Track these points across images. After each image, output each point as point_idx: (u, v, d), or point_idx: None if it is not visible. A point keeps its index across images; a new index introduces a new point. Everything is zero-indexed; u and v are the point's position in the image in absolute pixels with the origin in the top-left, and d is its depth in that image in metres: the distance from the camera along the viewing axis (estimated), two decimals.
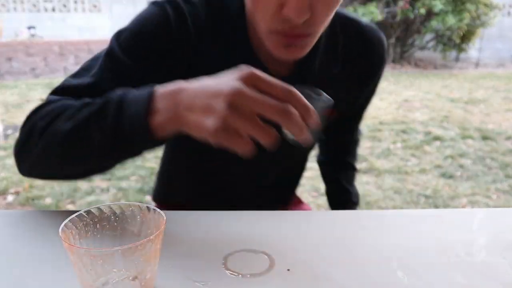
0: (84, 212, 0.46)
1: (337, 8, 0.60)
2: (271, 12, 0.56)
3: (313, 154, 0.96)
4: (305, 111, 0.45)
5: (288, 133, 0.50)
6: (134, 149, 0.55)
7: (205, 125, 0.45)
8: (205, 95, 0.46)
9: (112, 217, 0.47)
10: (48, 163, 0.59)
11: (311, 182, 2.51)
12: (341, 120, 0.87)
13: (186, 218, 0.65)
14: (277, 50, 0.61)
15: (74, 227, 0.44)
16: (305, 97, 0.46)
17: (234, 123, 0.44)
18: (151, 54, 0.64)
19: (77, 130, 0.54)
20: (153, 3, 0.66)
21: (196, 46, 0.67)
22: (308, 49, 0.62)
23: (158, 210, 0.46)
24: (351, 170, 0.99)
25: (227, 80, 0.45)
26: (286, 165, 0.90)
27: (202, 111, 0.45)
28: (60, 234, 0.41)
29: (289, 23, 0.56)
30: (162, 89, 0.50)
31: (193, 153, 0.84)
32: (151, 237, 0.41)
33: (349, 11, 0.81)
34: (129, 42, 0.64)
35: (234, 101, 0.44)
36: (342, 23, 0.75)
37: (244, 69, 0.45)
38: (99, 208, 0.47)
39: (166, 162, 0.93)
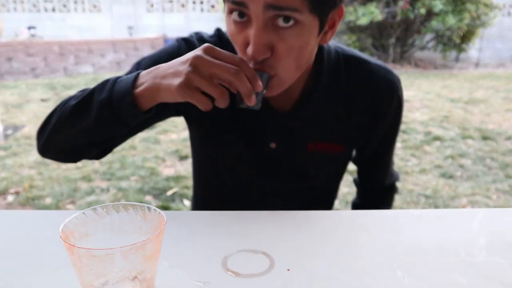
0: (84, 212, 0.46)
1: (303, 53, 0.63)
2: (242, 51, 0.63)
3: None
4: (252, 76, 0.57)
5: (238, 98, 0.60)
6: (122, 118, 0.63)
7: (173, 84, 0.57)
8: (175, 64, 0.58)
9: (112, 217, 0.47)
10: (57, 136, 0.69)
11: None
12: (363, 162, 0.90)
13: (186, 218, 0.65)
14: None
15: (74, 227, 0.44)
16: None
17: (195, 81, 0.55)
18: None
19: (82, 105, 0.65)
20: (176, 40, 0.78)
21: None
22: (278, 90, 0.66)
23: (158, 210, 0.46)
24: None
25: (191, 53, 0.58)
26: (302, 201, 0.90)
27: (172, 76, 0.58)
28: (60, 234, 0.41)
29: (253, 61, 0.61)
30: (146, 70, 0.62)
31: (217, 188, 0.89)
32: (151, 237, 0.42)
33: (364, 53, 0.80)
34: (146, 67, 0.73)
35: (195, 64, 0.56)
36: (348, 62, 0.77)
37: (204, 45, 0.58)
38: (99, 208, 0.47)
39: (196, 184, 0.98)
